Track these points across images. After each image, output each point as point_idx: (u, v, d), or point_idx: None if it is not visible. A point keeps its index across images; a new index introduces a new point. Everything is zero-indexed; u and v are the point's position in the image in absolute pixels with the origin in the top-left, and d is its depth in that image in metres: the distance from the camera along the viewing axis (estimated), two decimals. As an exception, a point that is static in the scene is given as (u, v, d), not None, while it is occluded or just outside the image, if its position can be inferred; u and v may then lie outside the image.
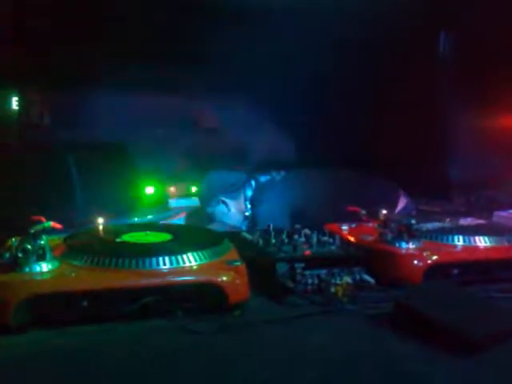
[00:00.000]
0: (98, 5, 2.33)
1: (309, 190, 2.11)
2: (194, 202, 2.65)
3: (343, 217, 1.61)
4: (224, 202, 2.22)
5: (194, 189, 2.84)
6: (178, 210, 2.60)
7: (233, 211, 2.18)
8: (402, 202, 2.13)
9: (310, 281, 1.25)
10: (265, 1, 2.36)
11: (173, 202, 2.66)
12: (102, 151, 2.38)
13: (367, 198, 1.96)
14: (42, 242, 1.08)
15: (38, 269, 1.05)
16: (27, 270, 1.04)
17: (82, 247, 1.16)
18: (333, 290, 1.23)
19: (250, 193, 2.22)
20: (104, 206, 1.60)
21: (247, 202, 2.19)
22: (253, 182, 2.25)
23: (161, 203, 2.70)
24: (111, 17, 2.35)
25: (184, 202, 2.68)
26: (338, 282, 1.24)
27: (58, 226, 1.17)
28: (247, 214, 2.17)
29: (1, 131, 2.65)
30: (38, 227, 1.11)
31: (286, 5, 2.38)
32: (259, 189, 2.22)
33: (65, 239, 1.24)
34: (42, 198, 1.96)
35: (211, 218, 2.15)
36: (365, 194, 2.05)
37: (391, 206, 2.11)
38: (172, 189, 2.77)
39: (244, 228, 2.10)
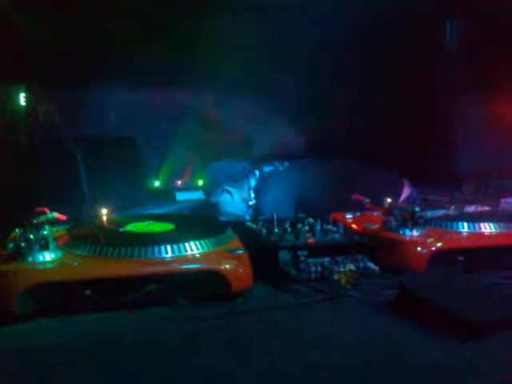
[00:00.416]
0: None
1: (312, 181, 2.11)
2: (200, 194, 2.66)
3: (347, 206, 1.60)
4: (228, 192, 2.22)
5: (200, 182, 2.85)
6: (184, 203, 2.60)
7: (237, 200, 2.18)
8: (405, 192, 2.12)
9: (313, 269, 1.25)
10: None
11: (179, 195, 2.67)
12: (110, 145, 2.40)
13: (371, 187, 1.95)
14: (45, 232, 1.09)
15: (40, 258, 1.06)
16: (30, 259, 1.05)
17: (84, 237, 1.17)
18: (336, 277, 1.23)
19: (253, 183, 2.22)
20: (112, 199, 1.61)
21: (251, 192, 2.19)
22: (257, 172, 2.24)
23: (167, 196, 2.71)
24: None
25: (190, 195, 2.69)
26: (342, 269, 1.24)
27: (62, 217, 1.18)
28: (251, 203, 2.17)
29: (9, 127, 2.67)
30: (42, 218, 1.11)
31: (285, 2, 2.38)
32: (263, 179, 2.21)
33: (68, 229, 1.25)
34: (50, 191, 1.98)
35: (216, 209, 2.15)
36: (369, 183, 2.04)
37: (395, 195, 2.10)
38: (179, 182, 2.78)
39: (248, 217, 2.10)
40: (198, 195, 2.69)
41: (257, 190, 2.20)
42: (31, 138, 2.64)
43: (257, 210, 2.10)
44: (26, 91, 2.72)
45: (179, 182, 2.79)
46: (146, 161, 2.76)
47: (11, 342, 0.96)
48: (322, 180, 2.08)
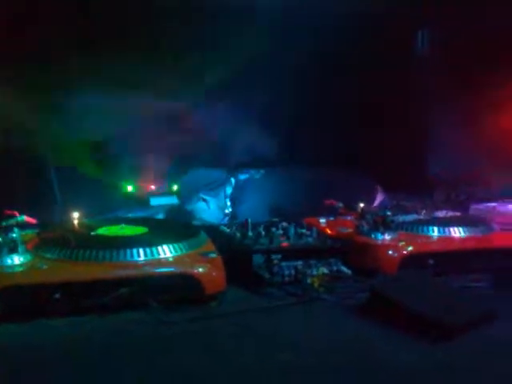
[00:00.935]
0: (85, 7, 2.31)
1: (288, 188, 2.12)
2: (173, 199, 2.64)
3: (322, 211, 1.62)
4: (204, 200, 2.21)
5: (175, 187, 2.83)
6: (157, 208, 2.58)
7: (213, 208, 2.18)
8: (379, 197, 2.15)
9: (286, 272, 1.25)
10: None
11: (153, 200, 2.64)
12: (82, 149, 2.37)
13: (346, 193, 1.97)
14: (14, 235, 1.06)
15: (9, 261, 1.04)
16: (-2, 262, 1.03)
17: (55, 240, 1.15)
18: (309, 280, 1.23)
19: (229, 191, 2.22)
20: (83, 203, 1.59)
21: (227, 200, 2.19)
22: (232, 180, 2.24)
23: (141, 201, 2.68)
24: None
25: (164, 200, 2.67)
26: (315, 272, 1.25)
27: (32, 220, 1.16)
28: (227, 211, 2.16)
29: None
30: (11, 221, 1.10)
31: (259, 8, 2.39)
32: (239, 187, 2.22)
33: (38, 233, 1.23)
34: (21, 194, 1.94)
35: (191, 216, 2.14)
36: (343, 189, 2.06)
37: (369, 200, 2.12)
38: (152, 187, 2.75)
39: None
40: (172, 200, 2.67)
41: (233, 198, 2.20)
42: (6, 142, 2.59)
43: (233, 218, 2.09)
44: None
45: (153, 187, 2.77)
46: (119, 165, 2.73)
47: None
48: (298, 187, 2.10)
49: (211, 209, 2.24)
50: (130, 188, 2.77)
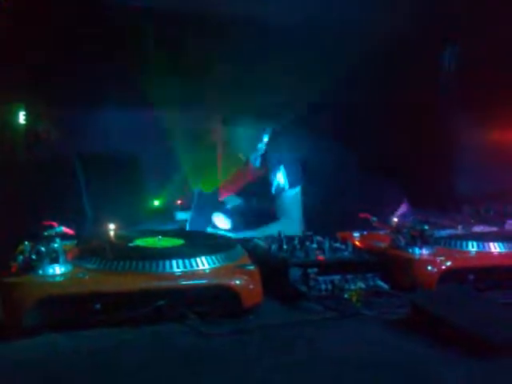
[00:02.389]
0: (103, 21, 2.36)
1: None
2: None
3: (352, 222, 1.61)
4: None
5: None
6: (184, 222, 2.59)
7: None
8: (403, 207, 2.14)
9: (323, 286, 1.23)
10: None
11: (179, 215, 2.66)
12: (112, 163, 2.40)
13: (373, 199, 1.98)
14: (56, 245, 1.07)
15: (51, 271, 1.04)
16: (40, 272, 1.03)
17: (94, 250, 1.15)
18: (346, 295, 1.22)
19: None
20: (112, 216, 1.60)
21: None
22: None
23: (167, 215, 2.70)
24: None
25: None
26: (352, 287, 1.23)
27: (70, 231, 1.17)
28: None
29: (9, 145, 2.66)
30: (51, 231, 1.10)
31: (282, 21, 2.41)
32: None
33: (77, 243, 1.24)
34: (52, 207, 1.97)
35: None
36: (371, 196, 2.07)
37: (393, 208, 2.12)
38: (179, 201, 2.77)
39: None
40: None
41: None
42: (31, 157, 2.64)
43: None
44: (25, 110, 2.72)
45: (179, 202, 2.79)
46: (146, 179, 2.76)
47: (20, 356, 0.93)
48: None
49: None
50: (156, 202, 2.79)
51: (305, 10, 2.31)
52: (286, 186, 2.11)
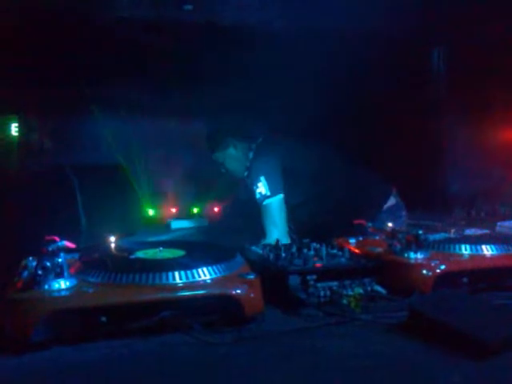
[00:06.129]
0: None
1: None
2: (194, 223, 2.68)
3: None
4: None
5: (195, 210, 2.86)
6: (179, 231, 2.61)
7: None
8: (391, 200, 2.17)
9: (322, 293, 1.26)
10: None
11: (174, 223, 2.67)
12: (105, 173, 2.41)
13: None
14: (60, 260, 1.09)
15: (56, 286, 1.05)
16: (46, 287, 1.05)
17: (97, 264, 1.17)
18: (345, 301, 1.24)
19: None
20: (107, 227, 1.61)
21: None
22: None
23: (162, 224, 2.71)
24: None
25: (185, 224, 2.69)
26: (350, 293, 1.26)
27: (72, 245, 1.18)
28: None
29: (1, 157, 2.66)
30: (53, 246, 1.12)
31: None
32: None
33: (80, 257, 1.25)
34: (46, 220, 1.97)
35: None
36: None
37: (382, 200, 2.15)
38: (173, 210, 2.79)
39: None
40: (192, 223, 2.70)
41: None
42: (24, 168, 2.63)
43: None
44: (18, 121, 2.72)
45: (174, 210, 2.80)
46: (139, 189, 2.76)
47: (28, 370, 0.95)
48: None
49: None
50: (151, 212, 2.80)
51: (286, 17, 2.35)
52: (268, 194, 2.12)
